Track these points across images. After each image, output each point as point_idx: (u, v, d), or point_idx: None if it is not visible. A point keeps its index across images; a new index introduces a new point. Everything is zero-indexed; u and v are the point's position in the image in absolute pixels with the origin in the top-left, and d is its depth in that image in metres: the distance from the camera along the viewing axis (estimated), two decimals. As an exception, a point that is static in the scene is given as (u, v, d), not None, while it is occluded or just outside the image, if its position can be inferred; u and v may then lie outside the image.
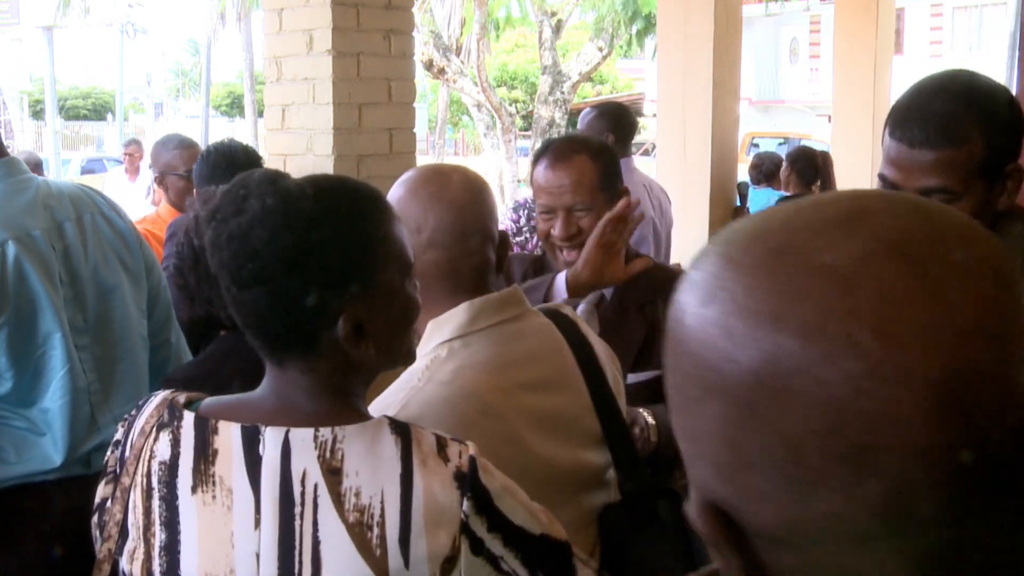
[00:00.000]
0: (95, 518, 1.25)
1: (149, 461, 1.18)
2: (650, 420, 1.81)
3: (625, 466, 1.51)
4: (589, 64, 12.85)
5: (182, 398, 1.23)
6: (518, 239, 4.60)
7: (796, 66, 23.21)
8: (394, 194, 1.48)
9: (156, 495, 1.17)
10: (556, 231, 1.93)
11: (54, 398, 2.03)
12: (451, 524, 1.11)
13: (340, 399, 1.18)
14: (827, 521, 0.44)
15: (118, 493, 1.21)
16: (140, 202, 8.25)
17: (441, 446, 1.15)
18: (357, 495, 1.11)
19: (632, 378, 1.98)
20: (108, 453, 1.26)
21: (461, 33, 12.92)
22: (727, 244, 0.48)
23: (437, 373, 1.38)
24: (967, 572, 0.44)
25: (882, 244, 0.44)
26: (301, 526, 1.11)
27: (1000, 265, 0.45)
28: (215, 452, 1.15)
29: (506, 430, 1.37)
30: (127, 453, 1.21)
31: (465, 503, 1.12)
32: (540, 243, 2.03)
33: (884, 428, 0.41)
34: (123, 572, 1.20)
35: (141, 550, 1.17)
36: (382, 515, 1.10)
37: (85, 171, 18.37)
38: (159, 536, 1.16)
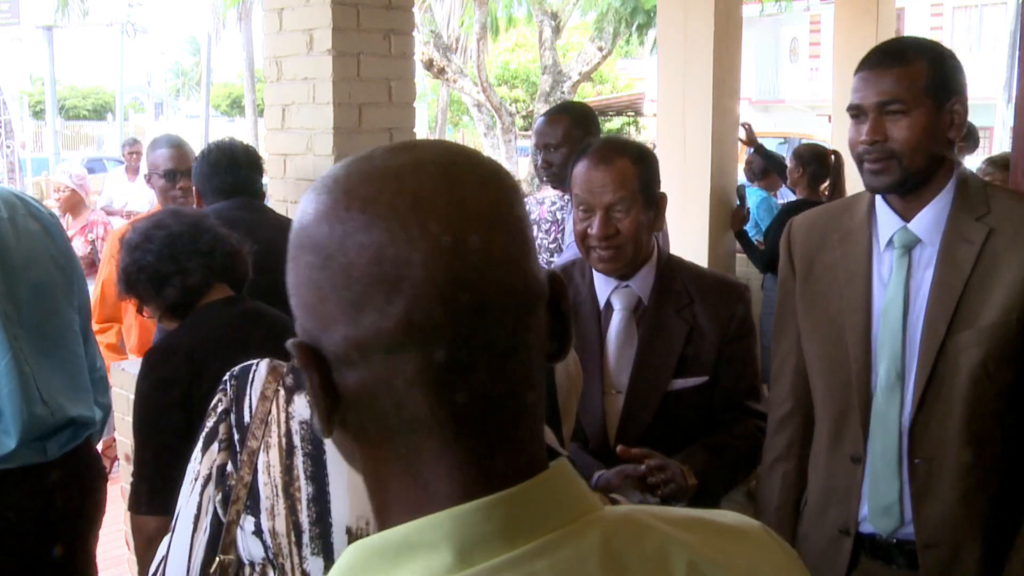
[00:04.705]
0: (206, 484, 1.29)
1: (287, 422, 1.26)
2: (683, 466, 1.85)
3: None
4: (589, 64, 12.86)
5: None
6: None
7: (796, 66, 23.21)
8: None
9: (299, 452, 1.26)
10: (593, 230, 1.96)
11: (1, 384, 2.08)
12: None
13: None
14: (372, 334, 0.61)
15: (244, 457, 1.27)
16: (140, 201, 8.28)
17: None
18: None
19: (679, 383, 2.00)
20: (212, 421, 1.30)
21: (461, 33, 12.92)
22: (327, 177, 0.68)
23: None
24: (468, 382, 0.61)
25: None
26: None
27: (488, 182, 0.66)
28: None
29: None
30: (247, 418, 1.27)
31: None
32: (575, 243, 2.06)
33: (408, 266, 0.60)
34: (260, 529, 1.26)
35: (282, 505, 1.25)
36: None
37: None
38: (305, 489, 1.26)
